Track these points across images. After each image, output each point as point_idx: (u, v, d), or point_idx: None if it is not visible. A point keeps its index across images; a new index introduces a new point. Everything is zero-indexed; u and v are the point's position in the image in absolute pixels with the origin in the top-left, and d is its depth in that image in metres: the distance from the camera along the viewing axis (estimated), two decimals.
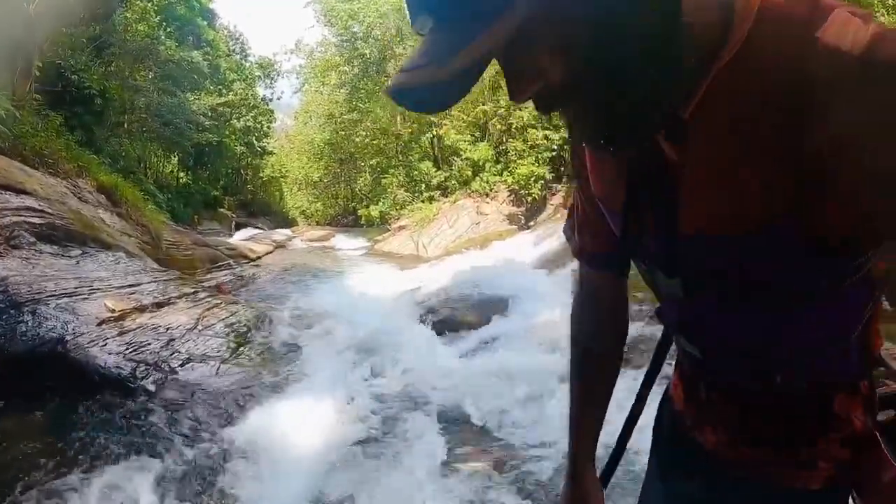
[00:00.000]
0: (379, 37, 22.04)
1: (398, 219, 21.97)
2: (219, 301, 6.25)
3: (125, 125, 17.72)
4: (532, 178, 17.47)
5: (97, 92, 12.89)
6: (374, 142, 29.84)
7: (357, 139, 30.14)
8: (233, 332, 5.63)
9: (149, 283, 5.48)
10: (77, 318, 3.90)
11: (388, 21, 21.42)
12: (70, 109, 12.05)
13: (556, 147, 17.50)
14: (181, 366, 4.23)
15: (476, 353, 5.65)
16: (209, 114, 20.67)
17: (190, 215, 19.53)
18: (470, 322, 6.27)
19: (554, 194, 17.92)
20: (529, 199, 17.81)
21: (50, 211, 4.86)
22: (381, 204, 25.74)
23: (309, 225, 31.87)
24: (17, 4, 9.82)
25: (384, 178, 25.88)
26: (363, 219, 27.45)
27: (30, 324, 3.57)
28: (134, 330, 4.40)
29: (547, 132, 17.37)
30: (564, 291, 7.15)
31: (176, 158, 22.14)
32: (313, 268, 12.49)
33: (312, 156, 32.39)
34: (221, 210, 24.46)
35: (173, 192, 19.58)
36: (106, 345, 3.86)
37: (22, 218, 4.42)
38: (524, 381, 4.77)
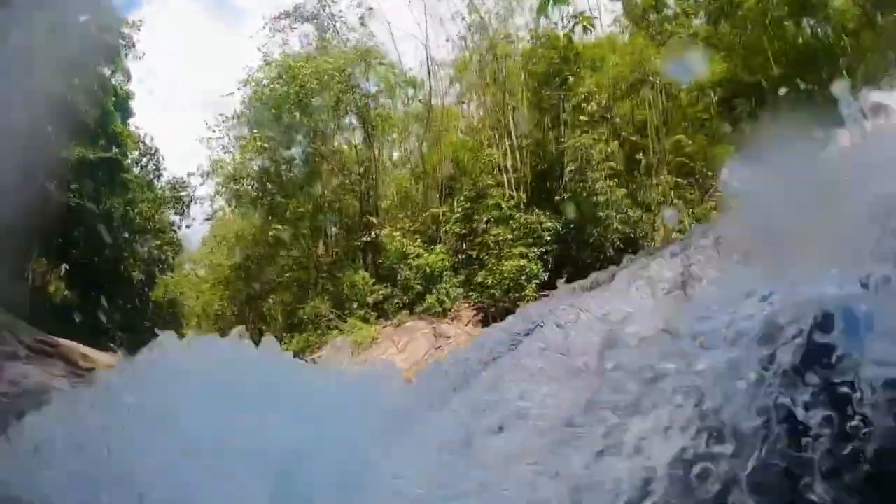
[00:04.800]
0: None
1: (320, 347, 16.08)
2: None
3: None
4: (523, 276, 12.49)
5: None
6: (290, 274, 24.48)
7: (271, 271, 24.83)
8: None
9: None
10: None
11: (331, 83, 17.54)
12: None
13: (549, 238, 12.99)
14: None
15: None
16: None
17: None
18: None
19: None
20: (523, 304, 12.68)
21: None
22: (294, 341, 19.31)
23: None
24: None
25: (301, 308, 20.25)
26: None
27: None
28: None
29: (541, 214, 13.04)
30: None
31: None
32: None
33: (216, 283, 26.24)
34: None
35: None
36: None
37: None
38: None
